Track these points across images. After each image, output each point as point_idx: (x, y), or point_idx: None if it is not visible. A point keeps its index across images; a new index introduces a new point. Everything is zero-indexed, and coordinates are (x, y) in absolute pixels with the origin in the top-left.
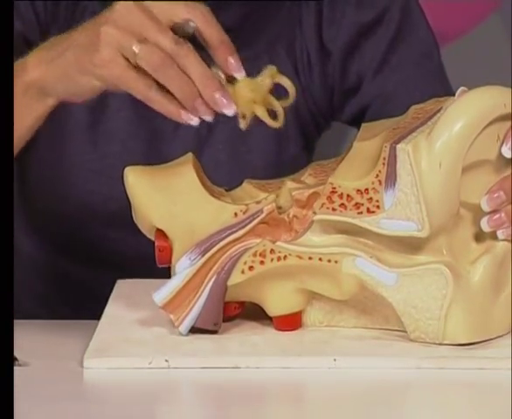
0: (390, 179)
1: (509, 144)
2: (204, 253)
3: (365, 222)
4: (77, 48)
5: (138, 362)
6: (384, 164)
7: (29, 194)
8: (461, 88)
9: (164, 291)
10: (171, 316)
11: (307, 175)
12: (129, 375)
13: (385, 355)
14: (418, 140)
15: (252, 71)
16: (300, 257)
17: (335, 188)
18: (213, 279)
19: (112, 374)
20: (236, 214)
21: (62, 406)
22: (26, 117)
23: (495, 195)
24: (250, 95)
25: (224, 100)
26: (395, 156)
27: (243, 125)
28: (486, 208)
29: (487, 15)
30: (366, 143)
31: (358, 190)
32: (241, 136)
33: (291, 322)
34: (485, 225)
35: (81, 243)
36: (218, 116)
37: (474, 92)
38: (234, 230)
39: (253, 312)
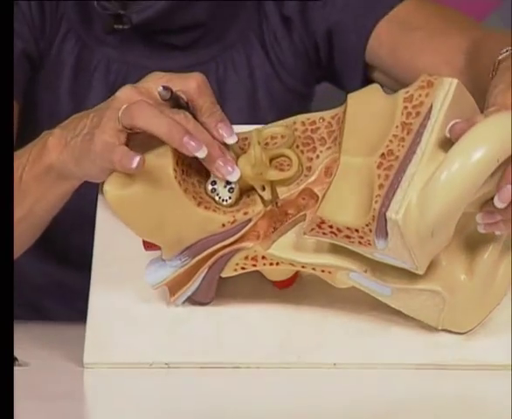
0: (381, 233)
1: (502, 197)
2: (193, 256)
3: (359, 249)
4: (84, 134)
5: (139, 362)
6: (374, 218)
7: None
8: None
9: (157, 276)
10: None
11: (294, 148)
12: (129, 375)
13: (385, 355)
14: (409, 208)
15: (227, 61)
16: (292, 265)
17: (323, 220)
18: (206, 271)
19: (112, 373)
20: (224, 225)
21: (62, 406)
22: (50, 196)
23: (505, 188)
24: (253, 171)
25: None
26: (385, 220)
27: (266, 196)
28: (500, 205)
29: (487, 15)
30: (353, 163)
31: (348, 228)
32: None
33: (290, 281)
34: (480, 229)
35: (73, 246)
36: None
37: (464, 160)
38: (222, 238)
39: (254, 309)
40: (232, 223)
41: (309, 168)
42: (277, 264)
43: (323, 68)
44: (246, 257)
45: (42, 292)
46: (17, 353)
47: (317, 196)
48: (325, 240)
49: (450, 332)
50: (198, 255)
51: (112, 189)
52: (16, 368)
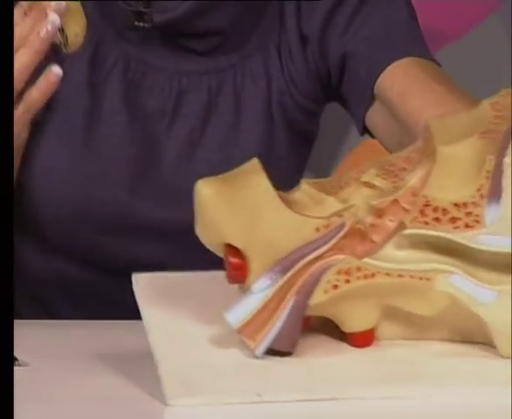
0: (495, 194)
1: None
2: (285, 271)
3: (461, 237)
4: None
5: (228, 398)
6: (487, 178)
7: (24, 197)
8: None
9: (240, 312)
10: (248, 341)
11: (375, 176)
12: (218, 412)
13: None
14: None
15: (246, 70)
16: (389, 275)
17: (429, 201)
18: (293, 300)
19: (198, 411)
20: (318, 229)
21: (62, 406)
22: None
23: None
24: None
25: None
26: (501, 171)
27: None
28: None
29: (487, 15)
30: (454, 148)
31: (456, 204)
32: (234, 138)
33: (368, 337)
34: None
35: (78, 246)
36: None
37: None
38: (316, 246)
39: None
40: (327, 226)
41: (396, 188)
42: (372, 275)
43: (333, 90)
44: (339, 272)
45: (49, 288)
46: (17, 353)
47: (406, 210)
48: (426, 233)
49: None
50: (290, 270)
51: (206, 184)
52: (16, 368)
